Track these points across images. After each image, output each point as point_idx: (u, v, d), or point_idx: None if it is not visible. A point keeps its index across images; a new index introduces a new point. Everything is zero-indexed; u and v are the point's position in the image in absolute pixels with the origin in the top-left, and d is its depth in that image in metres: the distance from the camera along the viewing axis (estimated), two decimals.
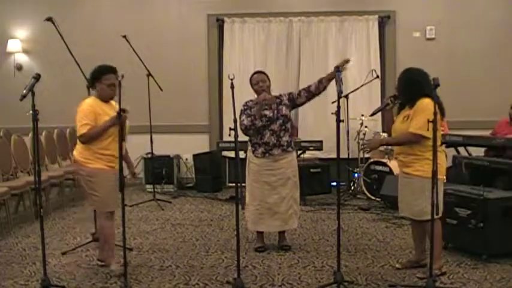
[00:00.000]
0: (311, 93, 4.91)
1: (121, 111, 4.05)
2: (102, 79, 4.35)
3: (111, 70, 4.38)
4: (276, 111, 4.91)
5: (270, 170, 4.92)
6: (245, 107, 4.98)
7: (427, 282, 3.78)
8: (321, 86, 4.86)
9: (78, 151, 4.36)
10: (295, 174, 5.01)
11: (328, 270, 4.41)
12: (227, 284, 4.13)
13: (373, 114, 4.60)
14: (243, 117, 4.92)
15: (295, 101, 4.98)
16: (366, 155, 7.60)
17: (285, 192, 4.94)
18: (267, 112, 4.89)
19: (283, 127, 4.92)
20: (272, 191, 4.92)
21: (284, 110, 4.93)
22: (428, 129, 3.76)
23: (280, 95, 5.02)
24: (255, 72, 5.06)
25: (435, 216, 3.76)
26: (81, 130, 4.22)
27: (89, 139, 4.25)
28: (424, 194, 3.90)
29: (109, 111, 4.33)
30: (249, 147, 5.04)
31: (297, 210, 5.09)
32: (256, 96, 4.98)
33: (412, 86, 4.16)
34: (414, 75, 4.22)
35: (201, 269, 4.50)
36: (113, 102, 4.44)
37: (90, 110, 4.27)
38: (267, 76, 5.01)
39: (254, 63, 8.28)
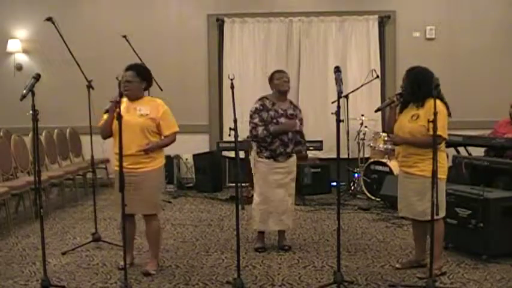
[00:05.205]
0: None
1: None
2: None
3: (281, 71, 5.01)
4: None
5: (278, 169, 4.91)
6: (261, 107, 4.83)
7: (427, 282, 3.79)
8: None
9: None
10: (295, 173, 5.07)
11: (328, 270, 4.41)
12: (227, 284, 4.13)
13: (378, 110, 4.59)
14: (256, 120, 4.81)
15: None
16: (366, 155, 7.61)
17: (291, 190, 4.98)
18: (282, 119, 4.86)
19: (292, 139, 4.89)
20: (281, 189, 4.92)
21: (299, 126, 4.92)
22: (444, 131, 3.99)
23: (297, 109, 5.00)
24: (277, 71, 4.99)
25: (438, 217, 3.75)
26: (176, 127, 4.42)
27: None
28: (428, 194, 3.88)
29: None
30: (254, 148, 4.99)
31: (292, 209, 5.16)
32: (272, 91, 4.91)
33: (421, 86, 4.12)
34: (423, 74, 4.18)
35: (201, 269, 4.50)
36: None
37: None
38: None
39: (254, 63, 8.31)
